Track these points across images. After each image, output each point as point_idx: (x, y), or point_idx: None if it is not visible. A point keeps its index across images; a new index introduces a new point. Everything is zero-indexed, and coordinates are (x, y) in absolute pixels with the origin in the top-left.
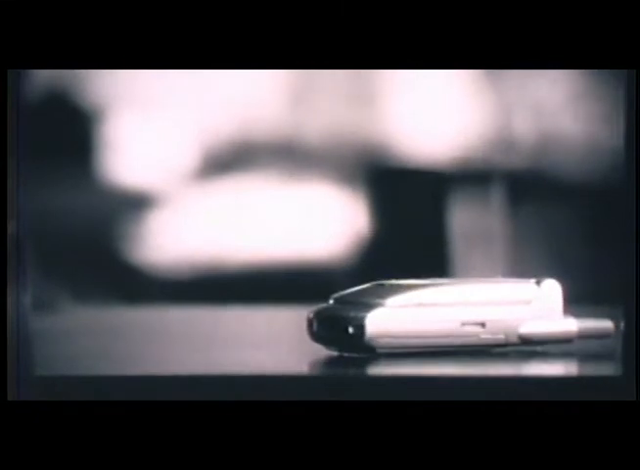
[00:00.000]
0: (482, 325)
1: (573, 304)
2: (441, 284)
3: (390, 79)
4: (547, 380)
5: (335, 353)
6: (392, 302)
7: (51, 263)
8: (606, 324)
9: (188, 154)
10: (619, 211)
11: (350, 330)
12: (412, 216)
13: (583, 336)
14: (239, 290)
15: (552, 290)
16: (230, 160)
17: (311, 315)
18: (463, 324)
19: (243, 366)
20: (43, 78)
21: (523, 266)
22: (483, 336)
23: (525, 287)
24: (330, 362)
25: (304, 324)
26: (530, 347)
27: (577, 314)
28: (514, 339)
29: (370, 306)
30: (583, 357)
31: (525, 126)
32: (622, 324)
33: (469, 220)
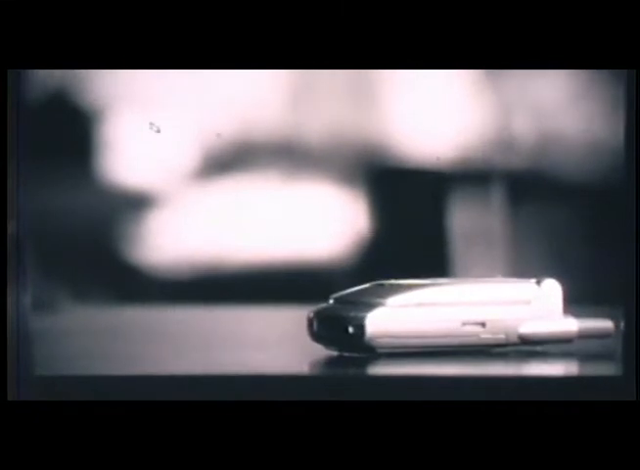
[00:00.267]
0: (483, 325)
1: (573, 304)
2: (441, 284)
3: (390, 79)
4: (547, 380)
5: (335, 353)
6: (392, 301)
7: (51, 263)
8: (606, 324)
9: (188, 154)
10: (619, 211)
11: (350, 330)
12: (412, 216)
13: (583, 336)
14: (239, 290)
15: (552, 290)
16: (230, 160)
17: (311, 315)
18: (463, 324)
19: (243, 366)
20: (43, 78)
21: (523, 266)
22: (484, 336)
23: (526, 287)
24: (330, 362)
25: (304, 324)
26: (530, 347)
27: (577, 314)
28: (514, 339)
29: (370, 306)
30: (583, 357)
31: (525, 126)
32: (622, 324)
33: (469, 220)
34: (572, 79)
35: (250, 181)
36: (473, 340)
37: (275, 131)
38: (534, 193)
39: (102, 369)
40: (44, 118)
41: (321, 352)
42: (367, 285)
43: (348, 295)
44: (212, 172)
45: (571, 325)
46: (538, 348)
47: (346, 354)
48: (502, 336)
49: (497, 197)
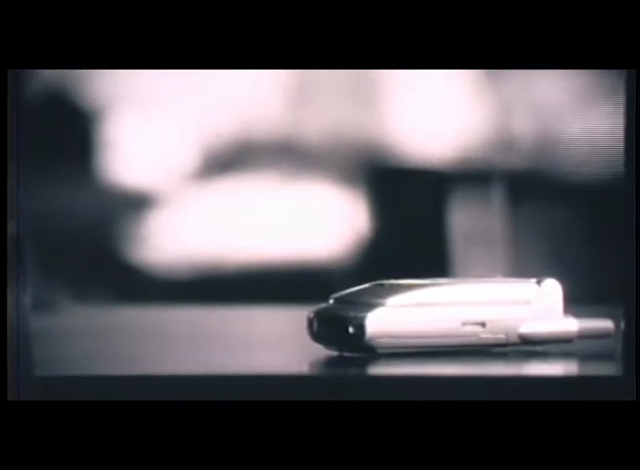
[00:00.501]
0: (483, 325)
1: (573, 304)
2: (441, 284)
3: (390, 79)
4: (547, 380)
5: (335, 353)
6: (392, 301)
7: (51, 263)
8: (606, 324)
9: (188, 154)
10: (619, 211)
11: (351, 330)
12: (412, 216)
13: (583, 336)
14: (238, 290)
15: (552, 290)
16: (230, 160)
17: (311, 315)
18: (463, 324)
19: (243, 366)
20: (43, 78)
21: (523, 266)
22: (484, 336)
23: (526, 287)
24: (330, 362)
25: (304, 324)
26: (530, 346)
27: (577, 314)
28: (514, 339)
29: (370, 306)
30: (583, 357)
31: (524, 126)
32: (622, 324)
33: (469, 220)
34: (573, 79)
35: (250, 181)
36: (473, 340)
37: (275, 131)
38: (534, 193)
39: (102, 369)
40: (44, 118)
41: (321, 351)
42: (367, 285)
43: (348, 295)
44: (212, 172)
45: (572, 325)
46: (538, 348)
47: (346, 354)
48: (502, 336)
49: (497, 197)
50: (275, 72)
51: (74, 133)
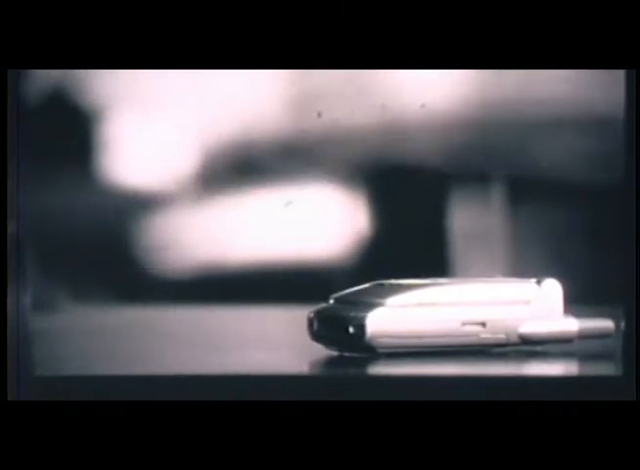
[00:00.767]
0: (483, 325)
1: (573, 303)
2: (441, 284)
3: (390, 79)
4: (547, 380)
5: (335, 353)
6: (393, 301)
7: (51, 263)
8: (606, 324)
9: (188, 154)
10: (619, 211)
11: (351, 330)
12: (412, 216)
13: (584, 336)
14: (238, 290)
15: (552, 290)
16: (230, 160)
17: (311, 315)
18: (463, 324)
19: (243, 366)
20: (43, 78)
21: (523, 266)
22: (484, 336)
23: (526, 287)
24: (330, 362)
25: (304, 324)
26: (530, 347)
27: (577, 314)
28: (514, 339)
29: (370, 306)
30: (583, 357)
31: (524, 126)
32: (622, 324)
33: (469, 220)
34: (573, 79)
35: (250, 181)
36: (473, 340)
37: (275, 131)
38: (534, 193)
39: (102, 369)
40: (44, 118)
41: (321, 351)
42: (367, 285)
43: (348, 295)
44: (212, 172)
45: (572, 325)
46: (538, 348)
47: (347, 354)
48: (502, 336)
49: (497, 197)
50: (275, 72)
51: (74, 133)
